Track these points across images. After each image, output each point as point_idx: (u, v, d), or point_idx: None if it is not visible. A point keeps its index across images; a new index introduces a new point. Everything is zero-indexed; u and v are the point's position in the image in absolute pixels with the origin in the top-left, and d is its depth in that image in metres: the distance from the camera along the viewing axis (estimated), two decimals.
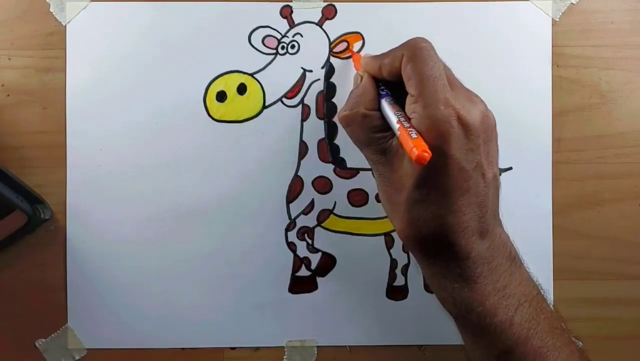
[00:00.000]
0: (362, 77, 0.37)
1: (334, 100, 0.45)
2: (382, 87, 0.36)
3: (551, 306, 0.36)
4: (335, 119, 0.44)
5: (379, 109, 0.35)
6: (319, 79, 0.45)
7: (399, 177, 0.33)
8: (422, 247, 0.34)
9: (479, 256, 0.32)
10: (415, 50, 0.33)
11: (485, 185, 0.32)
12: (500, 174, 0.45)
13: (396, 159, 0.33)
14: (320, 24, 0.45)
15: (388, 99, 0.35)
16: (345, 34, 0.45)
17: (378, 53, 0.38)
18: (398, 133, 0.32)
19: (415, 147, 0.29)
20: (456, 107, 0.31)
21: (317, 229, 0.45)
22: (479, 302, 0.33)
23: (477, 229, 0.32)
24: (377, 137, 0.34)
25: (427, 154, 0.28)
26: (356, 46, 0.45)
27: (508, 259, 0.34)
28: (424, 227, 0.32)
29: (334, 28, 0.45)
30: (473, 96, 0.34)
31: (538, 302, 0.34)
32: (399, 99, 0.34)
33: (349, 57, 0.45)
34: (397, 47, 0.35)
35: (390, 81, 0.35)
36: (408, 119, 0.32)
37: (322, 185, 0.45)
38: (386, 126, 0.34)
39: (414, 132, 0.30)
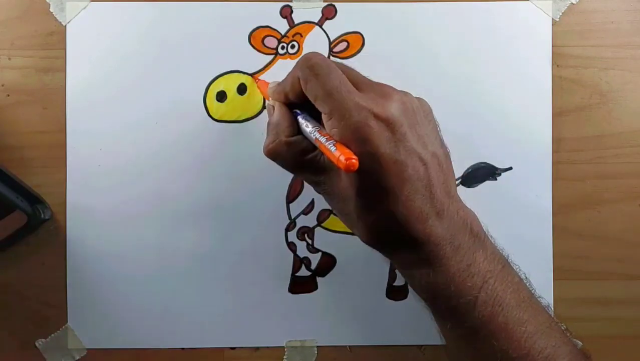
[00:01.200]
0: (273, 107, 0.37)
1: None
2: (296, 110, 0.36)
3: (521, 277, 0.36)
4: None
5: (300, 132, 0.35)
6: None
7: (341, 189, 0.34)
8: (384, 244, 0.35)
9: (438, 237, 0.32)
10: (308, 70, 0.33)
11: (425, 167, 0.32)
12: (500, 174, 0.45)
13: (333, 174, 0.34)
14: (320, 24, 0.45)
15: (306, 119, 0.35)
16: (345, 34, 0.45)
17: (281, 79, 0.38)
18: (322, 149, 0.32)
19: (340, 156, 0.29)
20: (369, 107, 0.31)
21: (317, 229, 0.45)
22: (444, 285, 0.33)
23: (432, 212, 0.32)
24: (307, 160, 0.35)
25: (355, 160, 0.29)
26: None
27: (471, 235, 0.34)
28: (380, 227, 0.33)
29: (334, 28, 0.45)
30: (386, 89, 0.34)
31: (504, 276, 0.34)
32: (317, 114, 0.34)
33: (351, 56, 0.45)
34: (292, 69, 0.35)
35: (302, 101, 0.35)
36: (326, 134, 0.32)
37: None
38: (312, 146, 0.34)
39: (332, 144, 0.30)
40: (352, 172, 0.29)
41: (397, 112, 0.32)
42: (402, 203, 0.31)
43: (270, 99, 0.39)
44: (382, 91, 0.33)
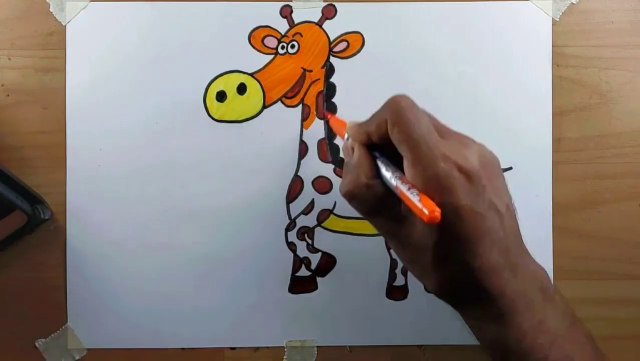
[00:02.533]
0: (352, 148, 0.36)
1: (334, 100, 0.45)
2: (377, 153, 0.35)
3: (587, 332, 0.35)
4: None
5: (379, 176, 0.34)
6: (319, 79, 0.45)
7: (417, 240, 0.33)
8: (458, 297, 0.34)
9: (513, 292, 0.32)
10: (398, 113, 0.32)
11: (501, 220, 0.32)
12: None
13: (409, 223, 0.33)
14: (320, 23, 0.45)
15: (385, 163, 0.34)
16: (345, 34, 0.45)
17: (363, 119, 0.36)
18: (402, 198, 0.31)
19: (424, 208, 0.29)
20: (453, 159, 0.31)
21: (317, 229, 0.45)
22: (515, 341, 0.32)
23: (507, 265, 0.32)
24: (384, 205, 0.34)
25: (437, 213, 0.28)
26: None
27: (541, 291, 0.33)
28: (456, 279, 0.32)
29: (334, 28, 0.45)
30: (465, 139, 0.34)
31: (573, 334, 0.34)
32: (395, 158, 0.34)
33: (351, 56, 0.45)
34: (379, 111, 0.34)
35: (383, 143, 0.35)
36: (408, 181, 0.32)
37: (322, 185, 0.45)
38: (391, 192, 0.33)
39: (416, 194, 0.30)
40: (432, 224, 0.29)
41: (478, 164, 0.31)
42: (480, 255, 0.31)
43: (345, 137, 0.38)
44: (462, 140, 0.33)
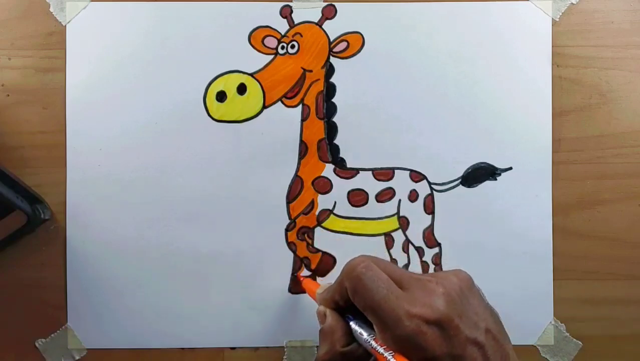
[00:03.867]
0: (324, 314, 0.37)
1: (334, 100, 0.45)
2: (348, 316, 0.35)
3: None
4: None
5: (354, 338, 0.34)
6: (319, 79, 0.45)
7: None
8: None
9: None
10: (355, 281, 0.32)
11: (483, 352, 0.31)
12: (500, 174, 0.45)
13: None
14: (320, 23, 0.45)
15: (359, 325, 0.34)
16: (345, 34, 0.45)
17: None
18: (379, 360, 0.31)
19: None
20: (419, 313, 0.31)
21: (317, 229, 0.45)
22: None
23: None
24: None
25: None
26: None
27: None
28: None
29: (334, 28, 0.45)
30: (427, 283, 0.33)
31: None
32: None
33: (351, 56, 0.45)
34: (339, 276, 0.35)
35: (352, 306, 0.35)
36: (382, 343, 0.32)
37: (322, 185, 0.45)
38: (367, 354, 0.33)
39: (392, 356, 0.30)
40: None
41: (445, 307, 0.31)
42: None
43: (319, 304, 0.38)
44: (424, 287, 0.33)
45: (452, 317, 0.31)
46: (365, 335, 0.33)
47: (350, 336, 0.34)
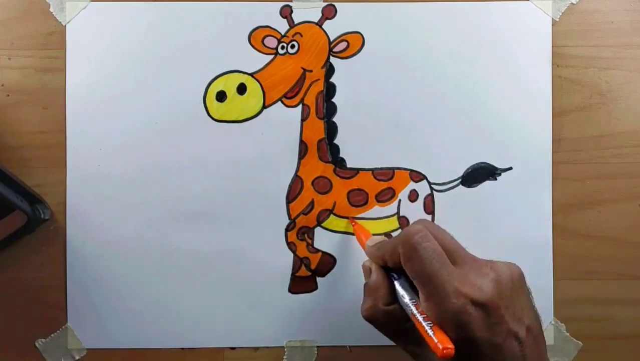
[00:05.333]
0: (370, 268, 0.37)
1: (334, 100, 0.45)
2: (393, 274, 0.35)
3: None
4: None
5: (395, 300, 0.34)
6: (319, 79, 0.45)
7: None
8: None
9: None
10: (410, 248, 0.33)
11: (521, 347, 0.31)
12: (500, 174, 0.45)
13: (429, 348, 0.32)
14: (320, 23, 0.45)
15: (403, 287, 0.34)
16: (345, 34, 0.45)
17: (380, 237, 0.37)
18: (418, 327, 0.31)
19: (438, 343, 0.29)
20: (467, 293, 0.31)
21: (317, 229, 0.45)
22: None
23: None
24: (405, 329, 0.34)
25: (450, 349, 0.29)
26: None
27: None
28: None
29: (334, 28, 0.45)
30: (481, 265, 0.33)
31: None
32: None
33: (351, 56, 0.45)
34: (393, 239, 0.35)
35: (400, 268, 0.34)
36: (423, 311, 0.32)
37: (322, 185, 0.45)
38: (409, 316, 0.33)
39: (430, 326, 0.30)
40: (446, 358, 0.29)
41: (494, 294, 0.31)
42: None
43: (367, 256, 0.38)
44: (477, 268, 0.33)
45: (499, 305, 0.31)
46: (407, 298, 0.33)
47: (394, 295, 0.34)
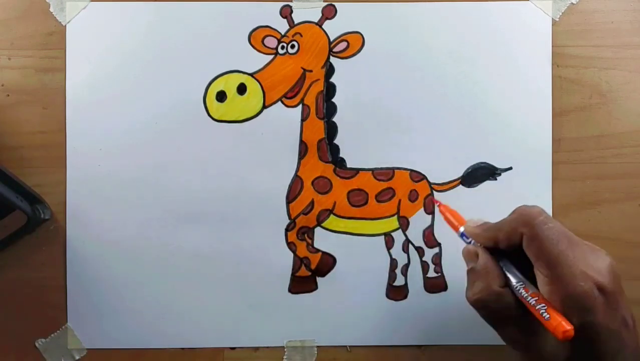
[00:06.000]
0: (474, 252, 0.36)
1: (334, 100, 0.45)
2: (503, 260, 0.34)
3: None
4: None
5: (507, 284, 0.34)
6: (319, 79, 0.45)
7: (548, 353, 0.32)
8: None
9: None
10: (533, 228, 0.32)
11: (631, 334, 0.31)
12: (500, 174, 0.45)
13: (540, 334, 0.32)
14: (320, 23, 0.45)
15: (511, 272, 0.33)
16: (345, 34, 0.45)
17: (487, 222, 0.36)
18: (532, 310, 0.31)
19: (557, 325, 0.29)
20: (593, 277, 0.31)
21: (317, 229, 0.45)
22: None
23: None
24: (515, 315, 0.33)
25: (571, 331, 0.29)
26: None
27: None
28: None
29: (334, 28, 0.45)
30: (595, 249, 0.33)
31: None
32: (518, 262, 0.33)
33: (351, 56, 0.45)
34: (510, 220, 0.34)
35: (510, 250, 0.34)
36: (536, 293, 0.32)
37: (322, 185, 0.45)
38: (518, 302, 0.33)
39: (544, 309, 0.30)
40: (565, 341, 0.29)
41: (614, 280, 0.31)
42: None
43: (460, 233, 0.38)
44: (593, 252, 0.32)
45: (616, 290, 0.31)
46: (514, 281, 0.32)
47: (504, 280, 0.33)
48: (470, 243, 0.37)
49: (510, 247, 0.33)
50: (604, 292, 0.31)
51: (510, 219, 0.34)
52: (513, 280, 0.33)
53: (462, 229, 0.37)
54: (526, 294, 0.31)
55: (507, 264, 0.34)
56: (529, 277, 0.33)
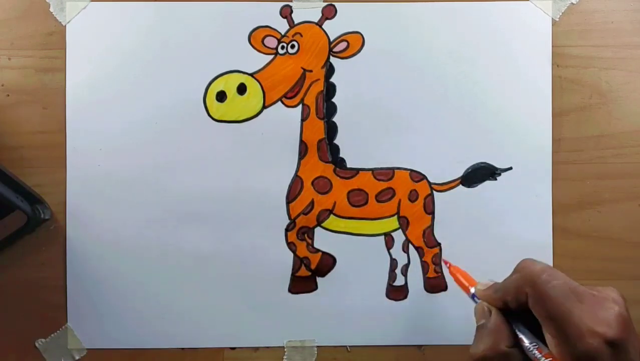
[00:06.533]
0: (487, 309, 0.36)
1: (334, 100, 0.45)
2: (514, 320, 0.34)
3: None
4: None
5: (515, 345, 0.33)
6: (319, 79, 0.45)
7: None
8: None
9: None
10: (537, 287, 0.32)
11: None
12: (500, 174, 0.45)
13: None
14: (320, 23, 0.45)
15: (522, 332, 0.33)
16: (345, 34, 0.45)
17: (494, 283, 0.36)
18: None
19: None
20: (600, 332, 0.30)
21: (317, 229, 0.45)
22: None
23: None
24: None
25: None
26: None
27: None
28: None
29: (334, 28, 0.45)
30: (602, 299, 0.32)
31: None
32: (530, 322, 0.33)
33: (351, 56, 0.45)
34: (515, 279, 0.34)
35: (520, 311, 0.34)
36: (550, 355, 0.32)
37: (322, 185, 0.45)
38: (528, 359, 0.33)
39: None
40: None
41: (622, 329, 0.31)
42: None
43: (471, 294, 0.38)
44: (600, 303, 0.32)
45: (625, 339, 0.31)
46: (527, 342, 0.33)
47: (515, 337, 0.33)
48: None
49: (519, 307, 0.33)
50: (612, 345, 0.30)
51: (515, 278, 0.34)
52: (526, 341, 0.33)
53: (472, 290, 0.38)
54: (540, 355, 0.32)
55: (519, 325, 0.34)
56: (541, 334, 0.33)
